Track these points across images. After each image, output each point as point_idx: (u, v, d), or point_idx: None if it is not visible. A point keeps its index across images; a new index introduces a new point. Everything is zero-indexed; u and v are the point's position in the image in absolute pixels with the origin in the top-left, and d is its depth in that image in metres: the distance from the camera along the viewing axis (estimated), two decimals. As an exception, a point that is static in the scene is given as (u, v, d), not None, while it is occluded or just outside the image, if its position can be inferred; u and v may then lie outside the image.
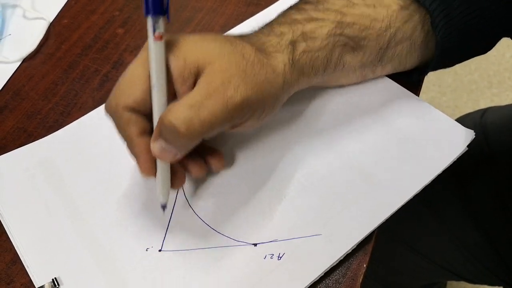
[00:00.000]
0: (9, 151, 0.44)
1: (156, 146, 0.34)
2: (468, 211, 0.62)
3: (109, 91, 0.47)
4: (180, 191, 0.41)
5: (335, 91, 0.45)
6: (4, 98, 0.48)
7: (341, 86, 0.45)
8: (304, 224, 0.38)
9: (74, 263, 0.38)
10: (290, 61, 0.38)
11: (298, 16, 0.39)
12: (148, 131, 0.35)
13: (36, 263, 0.38)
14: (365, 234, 0.38)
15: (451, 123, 0.43)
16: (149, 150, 0.35)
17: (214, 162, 0.40)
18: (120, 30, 0.53)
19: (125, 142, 0.36)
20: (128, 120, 0.35)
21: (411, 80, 0.45)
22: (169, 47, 0.34)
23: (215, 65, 0.34)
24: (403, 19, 0.40)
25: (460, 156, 0.41)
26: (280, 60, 0.37)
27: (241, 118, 0.35)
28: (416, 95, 0.45)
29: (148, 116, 0.35)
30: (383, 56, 0.41)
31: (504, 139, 0.62)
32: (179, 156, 0.35)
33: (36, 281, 0.37)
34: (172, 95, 0.35)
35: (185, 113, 0.32)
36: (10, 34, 0.53)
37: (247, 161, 0.42)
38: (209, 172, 0.41)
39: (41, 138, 0.45)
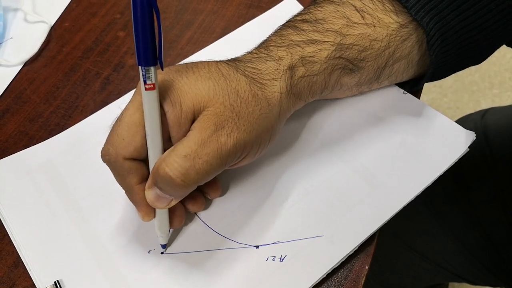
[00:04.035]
0: (11, 154, 0.44)
1: (150, 194, 0.34)
2: (469, 212, 0.62)
3: (110, 94, 0.48)
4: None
5: (336, 93, 0.45)
6: (5, 101, 0.49)
7: None
8: (306, 226, 0.38)
9: (76, 266, 0.38)
10: (288, 88, 0.37)
11: (296, 37, 0.38)
12: (147, 177, 0.35)
13: (38, 266, 0.38)
14: (367, 236, 0.38)
15: (451, 125, 0.43)
16: None
17: (210, 192, 0.39)
18: (121, 33, 0.53)
19: (124, 190, 0.36)
20: (129, 170, 0.34)
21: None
22: (164, 92, 0.33)
23: (210, 110, 0.33)
24: (402, 37, 0.39)
25: (461, 157, 0.41)
26: (276, 89, 0.36)
27: (237, 160, 0.35)
28: (417, 97, 0.45)
29: (147, 161, 0.35)
30: (381, 74, 0.41)
31: (504, 140, 0.62)
32: (174, 202, 0.35)
33: (39, 284, 0.37)
34: (167, 139, 0.34)
35: (180, 164, 0.32)
36: (11, 38, 0.54)
37: (249, 165, 0.42)
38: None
39: (43, 141, 0.45)
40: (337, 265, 0.37)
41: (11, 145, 0.45)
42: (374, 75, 0.41)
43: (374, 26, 0.38)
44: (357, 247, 0.37)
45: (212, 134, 0.33)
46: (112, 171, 0.35)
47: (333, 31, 0.38)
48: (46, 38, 0.53)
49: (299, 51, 0.37)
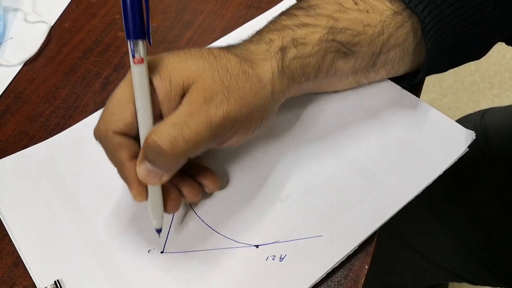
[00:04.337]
0: (11, 154, 0.44)
1: (141, 168, 0.34)
2: (469, 212, 0.62)
3: (110, 94, 0.48)
4: (182, 193, 0.41)
5: (336, 94, 0.45)
6: (5, 101, 0.49)
7: (338, 91, 0.45)
8: (305, 225, 0.38)
9: (76, 265, 0.38)
10: (279, 68, 0.37)
11: (288, 22, 0.39)
12: (138, 155, 0.35)
13: (38, 266, 0.38)
14: (367, 235, 0.38)
15: (451, 124, 0.43)
16: None
17: (207, 184, 0.39)
18: (121, 33, 0.53)
19: (116, 167, 0.36)
20: (119, 144, 0.34)
21: (402, 87, 0.45)
22: (154, 68, 0.34)
23: (199, 84, 0.34)
24: (396, 25, 0.39)
25: (460, 157, 0.41)
26: (268, 69, 0.37)
27: (227, 135, 0.35)
28: (417, 97, 0.45)
29: (138, 139, 0.35)
30: (376, 61, 0.41)
31: (504, 140, 0.62)
32: (165, 178, 0.34)
33: (39, 283, 0.37)
34: (158, 117, 0.35)
35: (169, 132, 0.32)
36: (11, 38, 0.54)
37: (249, 164, 0.42)
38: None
39: (43, 141, 0.45)
40: (337, 265, 0.37)
41: (11, 145, 0.45)
42: (369, 62, 0.41)
43: (367, 12, 0.39)
44: (357, 247, 0.37)
45: (201, 105, 0.33)
46: (103, 148, 0.36)
47: (325, 15, 0.39)
48: (46, 38, 0.53)
49: (291, 33, 0.38)
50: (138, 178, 0.35)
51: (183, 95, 0.34)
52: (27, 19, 0.55)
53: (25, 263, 0.38)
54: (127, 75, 0.35)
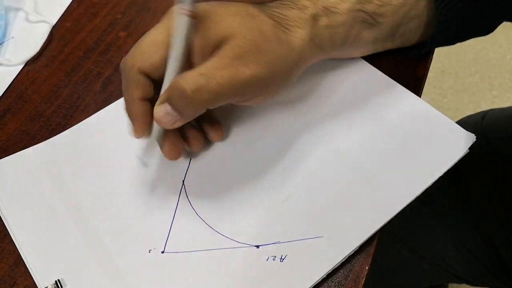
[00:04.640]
0: (12, 154, 0.44)
1: (160, 108, 0.35)
2: (469, 213, 0.62)
3: (111, 94, 0.48)
4: (183, 192, 0.41)
5: (335, 93, 0.45)
6: (7, 101, 0.49)
7: (345, 79, 0.46)
8: (306, 226, 0.38)
9: (77, 265, 0.38)
10: (310, 36, 0.38)
11: None
12: (150, 98, 0.37)
13: (39, 265, 0.38)
14: (367, 236, 0.38)
15: (452, 126, 0.43)
16: (146, 114, 0.37)
17: (212, 133, 0.41)
18: (122, 33, 0.53)
19: (125, 102, 0.37)
20: (137, 81, 0.36)
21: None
22: (194, 21, 0.35)
23: (233, 41, 0.35)
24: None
25: (460, 158, 0.41)
26: (299, 36, 0.38)
27: (249, 94, 0.37)
28: (418, 96, 0.45)
29: (157, 83, 0.37)
30: (396, 32, 0.42)
31: (504, 141, 0.62)
32: (179, 123, 0.36)
33: (40, 283, 0.37)
34: (188, 68, 0.36)
35: (195, 79, 0.34)
36: (13, 37, 0.54)
37: (250, 164, 0.42)
38: (212, 176, 0.41)
39: (44, 140, 0.45)
40: (337, 266, 0.37)
41: (12, 144, 0.45)
42: (390, 32, 0.42)
43: None
44: (357, 248, 0.38)
45: (231, 61, 0.35)
46: (123, 80, 0.37)
47: None
48: (48, 38, 0.53)
49: (322, 1, 0.39)
50: (144, 117, 0.37)
51: (216, 48, 0.35)
52: (28, 18, 0.55)
53: (25, 263, 0.39)
54: (164, 19, 0.37)
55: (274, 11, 0.38)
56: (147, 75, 0.36)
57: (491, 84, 1.52)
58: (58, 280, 0.37)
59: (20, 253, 0.39)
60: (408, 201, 0.39)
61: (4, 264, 0.39)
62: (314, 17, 0.38)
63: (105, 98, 0.48)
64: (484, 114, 0.68)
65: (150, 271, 0.38)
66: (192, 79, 0.34)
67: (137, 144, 0.43)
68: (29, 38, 0.53)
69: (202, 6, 0.36)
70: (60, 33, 0.54)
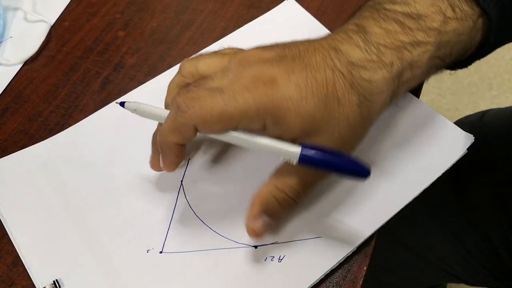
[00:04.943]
0: (10, 154, 0.44)
1: (260, 222, 0.35)
2: (467, 213, 0.62)
3: (110, 94, 0.48)
4: (181, 192, 0.41)
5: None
6: (5, 100, 0.49)
7: None
8: (304, 227, 0.38)
9: (75, 265, 0.38)
10: (391, 98, 0.36)
11: (404, 38, 0.35)
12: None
13: (37, 265, 0.38)
14: (365, 237, 0.38)
15: (451, 126, 0.43)
16: (181, 155, 0.37)
17: None
18: (121, 33, 0.53)
19: (161, 142, 0.36)
20: (189, 136, 0.34)
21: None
22: (266, 103, 0.33)
23: (317, 140, 0.34)
24: (476, 27, 0.38)
25: (459, 159, 0.41)
26: (381, 101, 0.35)
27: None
28: (417, 97, 0.45)
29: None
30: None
31: (503, 141, 0.62)
32: (273, 227, 0.37)
33: (38, 283, 0.37)
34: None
35: (283, 195, 0.36)
36: (11, 37, 0.54)
37: (249, 163, 0.42)
38: (211, 176, 0.41)
39: (43, 140, 0.45)
40: (335, 266, 0.37)
41: (10, 144, 0.45)
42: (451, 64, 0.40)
43: (462, 20, 0.37)
44: (356, 248, 0.38)
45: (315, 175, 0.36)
46: (170, 122, 0.35)
47: (434, 29, 0.36)
48: (46, 37, 0.53)
49: (409, 56, 0.35)
50: (178, 157, 0.37)
51: (295, 138, 0.34)
52: (27, 18, 0.55)
53: (24, 263, 0.39)
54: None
55: (362, 77, 0.34)
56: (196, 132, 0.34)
57: (490, 84, 1.52)
58: (56, 280, 0.37)
59: (18, 253, 0.39)
60: (406, 202, 0.39)
61: (2, 264, 0.39)
62: (399, 75, 0.35)
63: (104, 97, 0.48)
64: (483, 114, 0.68)
65: (148, 271, 0.37)
66: (283, 194, 0.35)
67: (136, 144, 0.44)
68: (27, 37, 0.53)
69: (283, 96, 0.32)
70: (58, 32, 0.54)
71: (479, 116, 0.68)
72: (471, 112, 0.71)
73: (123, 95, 0.47)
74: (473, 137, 0.41)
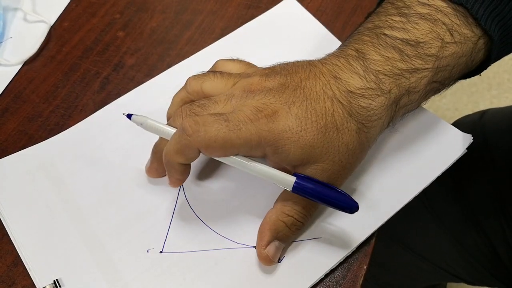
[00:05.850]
0: (10, 154, 0.44)
1: (272, 248, 0.36)
2: (467, 212, 0.62)
3: (109, 94, 0.48)
4: (181, 193, 0.41)
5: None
6: (5, 101, 0.49)
7: None
8: (304, 227, 0.38)
9: (75, 265, 0.38)
10: (388, 123, 0.37)
11: (402, 65, 0.36)
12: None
13: (37, 265, 0.38)
14: (365, 237, 0.38)
15: (449, 128, 0.43)
16: (186, 172, 0.38)
17: None
18: (120, 33, 0.53)
19: (166, 163, 0.37)
20: (193, 156, 0.35)
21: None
22: (267, 135, 0.34)
23: (318, 166, 0.35)
24: (478, 48, 0.39)
25: (458, 158, 0.41)
26: (379, 126, 0.36)
27: None
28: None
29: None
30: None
31: (503, 140, 0.62)
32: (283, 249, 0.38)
33: (38, 283, 0.37)
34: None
35: (287, 224, 0.37)
36: (11, 37, 0.54)
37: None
38: (211, 177, 0.41)
39: (42, 140, 0.45)
40: (335, 266, 0.37)
41: (10, 144, 0.45)
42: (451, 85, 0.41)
43: (461, 43, 0.38)
44: (355, 248, 0.38)
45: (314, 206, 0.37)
46: (175, 144, 0.35)
47: (432, 55, 0.37)
48: (46, 37, 0.53)
49: (406, 83, 0.36)
50: (182, 174, 0.38)
51: (295, 166, 0.35)
52: (26, 18, 0.55)
53: (24, 263, 0.39)
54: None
55: (360, 105, 0.35)
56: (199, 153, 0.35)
57: (489, 84, 1.52)
58: (57, 279, 0.37)
59: (19, 253, 0.39)
60: (406, 201, 0.39)
61: (2, 264, 0.39)
62: (397, 101, 0.36)
63: (103, 98, 0.48)
64: (482, 114, 0.68)
65: (148, 271, 0.38)
66: (288, 223, 0.37)
67: (136, 144, 0.44)
68: (27, 38, 0.53)
69: (280, 110, 0.34)
70: (58, 33, 0.54)
71: (478, 116, 0.68)
72: (471, 112, 0.71)
73: (122, 95, 0.47)
74: (472, 138, 0.42)
